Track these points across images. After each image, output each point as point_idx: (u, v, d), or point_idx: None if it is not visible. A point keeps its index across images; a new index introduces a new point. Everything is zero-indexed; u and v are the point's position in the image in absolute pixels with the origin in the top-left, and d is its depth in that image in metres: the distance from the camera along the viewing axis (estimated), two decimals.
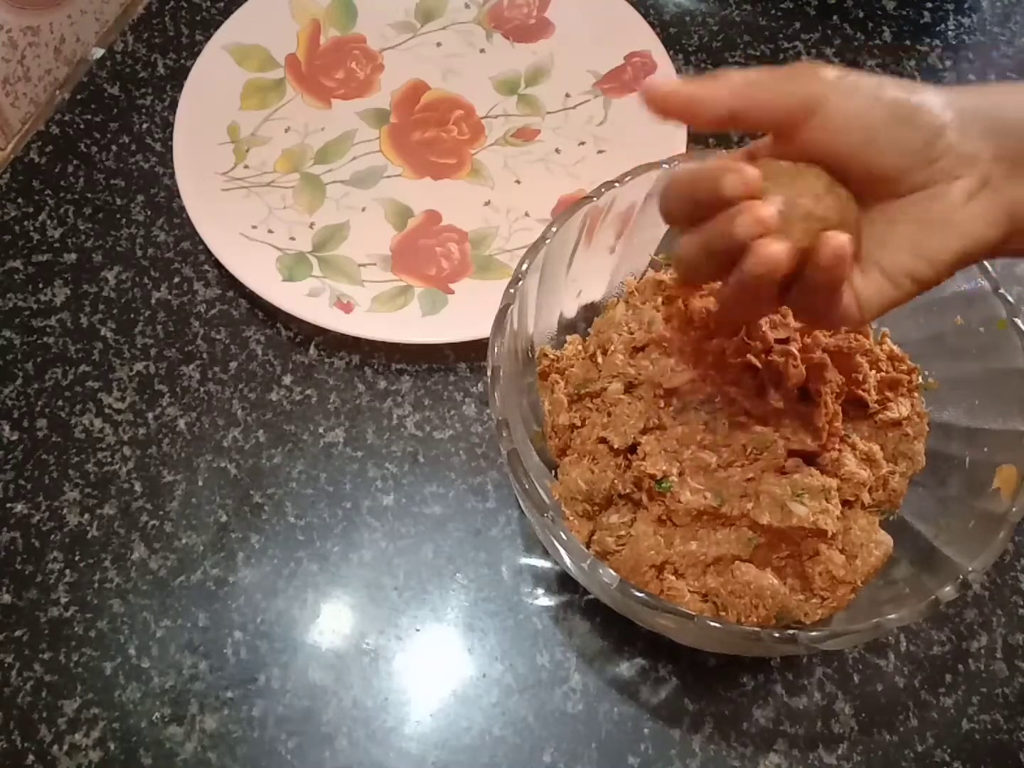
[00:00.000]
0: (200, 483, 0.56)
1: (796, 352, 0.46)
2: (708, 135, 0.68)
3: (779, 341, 0.47)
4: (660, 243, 0.53)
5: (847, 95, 0.36)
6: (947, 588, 0.41)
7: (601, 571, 0.42)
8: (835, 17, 0.74)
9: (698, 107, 0.37)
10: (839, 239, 0.35)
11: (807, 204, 0.35)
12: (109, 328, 0.60)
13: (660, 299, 0.51)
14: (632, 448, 0.47)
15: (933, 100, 0.36)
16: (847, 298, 0.37)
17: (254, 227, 0.62)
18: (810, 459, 0.47)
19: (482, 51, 0.71)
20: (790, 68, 0.37)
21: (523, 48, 0.71)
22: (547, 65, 0.70)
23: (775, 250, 0.34)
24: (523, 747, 0.49)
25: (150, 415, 0.58)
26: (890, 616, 0.41)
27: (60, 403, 0.58)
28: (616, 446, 0.47)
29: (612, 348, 0.50)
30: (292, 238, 0.62)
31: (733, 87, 0.37)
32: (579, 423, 0.50)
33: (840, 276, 0.35)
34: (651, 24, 0.69)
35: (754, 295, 0.37)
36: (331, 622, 0.52)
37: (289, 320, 0.60)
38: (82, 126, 0.68)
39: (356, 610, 0.52)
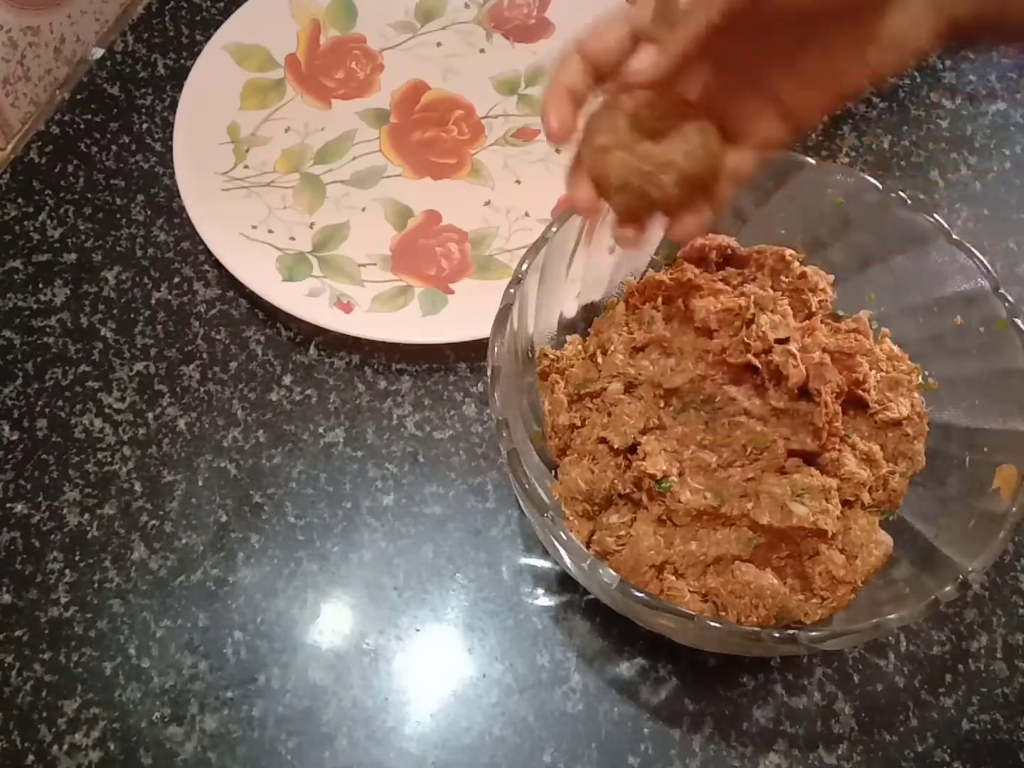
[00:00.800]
0: (200, 483, 0.56)
1: (796, 352, 0.46)
2: None
3: (779, 341, 0.47)
4: (660, 243, 0.54)
5: None
6: (947, 588, 0.41)
7: (601, 571, 0.42)
8: None
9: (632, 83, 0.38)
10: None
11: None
12: (109, 328, 0.60)
13: (660, 299, 0.51)
14: (632, 448, 0.47)
15: None
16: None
17: (254, 227, 0.62)
18: (810, 459, 0.47)
19: (482, 51, 0.71)
20: None
21: (523, 48, 0.71)
22: (547, 65, 0.70)
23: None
24: (523, 747, 0.49)
25: (150, 415, 0.58)
26: (890, 616, 0.41)
27: (60, 403, 0.58)
28: (616, 446, 0.47)
29: (612, 348, 0.50)
30: (292, 238, 0.62)
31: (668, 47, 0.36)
32: (579, 423, 0.50)
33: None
34: None
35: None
36: (331, 622, 0.52)
37: (289, 320, 0.60)
38: (82, 126, 0.68)
39: (356, 610, 0.52)
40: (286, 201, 0.64)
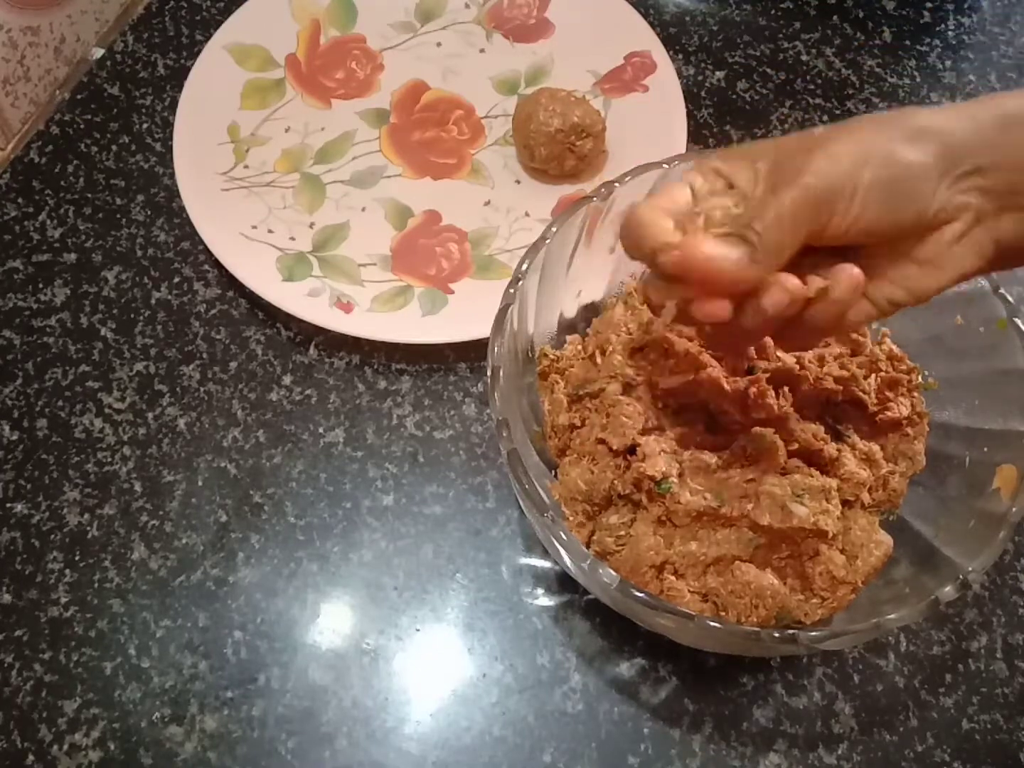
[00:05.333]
0: (200, 483, 0.56)
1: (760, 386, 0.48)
2: (708, 136, 0.68)
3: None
4: None
5: (848, 198, 0.34)
6: (947, 588, 0.41)
7: (601, 571, 0.42)
8: (835, 17, 0.74)
9: (717, 283, 0.35)
10: (854, 270, 0.35)
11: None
12: (109, 328, 0.60)
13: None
14: (631, 449, 0.47)
15: (919, 157, 0.35)
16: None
17: (254, 227, 0.62)
18: (810, 459, 0.47)
19: (482, 51, 0.71)
20: (783, 175, 0.34)
21: (523, 48, 0.71)
22: (547, 65, 0.70)
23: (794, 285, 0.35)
24: (523, 747, 0.49)
25: (150, 415, 0.58)
26: (890, 616, 0.41)
27: (60, 403, 0.58)
28: (615, 447, 0.47)
29: (610, 349, 0.50)
30: (292, 238, 0.62)
31: (759, 265, 0.35)
32: (579, 423, 0.50)
33: (851, 305, 0.36)
34: (651, 24, 0.69)
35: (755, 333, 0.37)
36: (331, 622, 0.52)
37: (289, 320, 0.60)
38: (82, 126, 0.68)
39: (356, 610, 0.52)
40: (286, 201, 0.64)
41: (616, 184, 0.50)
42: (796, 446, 0.46)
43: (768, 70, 0.71)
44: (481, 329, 0.54)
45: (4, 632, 0.51)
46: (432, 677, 0.51)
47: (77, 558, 0.53)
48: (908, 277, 0.36)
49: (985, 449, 0.47)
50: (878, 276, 0.37)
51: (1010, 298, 0.47)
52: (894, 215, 0.35)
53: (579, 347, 0.53)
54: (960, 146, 0.35)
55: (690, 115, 0.66)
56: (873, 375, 0.50)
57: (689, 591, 0.45)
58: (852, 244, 0.36)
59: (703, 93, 0.70)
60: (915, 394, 0.50)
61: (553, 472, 0.51)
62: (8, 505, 0.55)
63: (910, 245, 0.36)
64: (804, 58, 0.72)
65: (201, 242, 0.61)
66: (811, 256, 0.36)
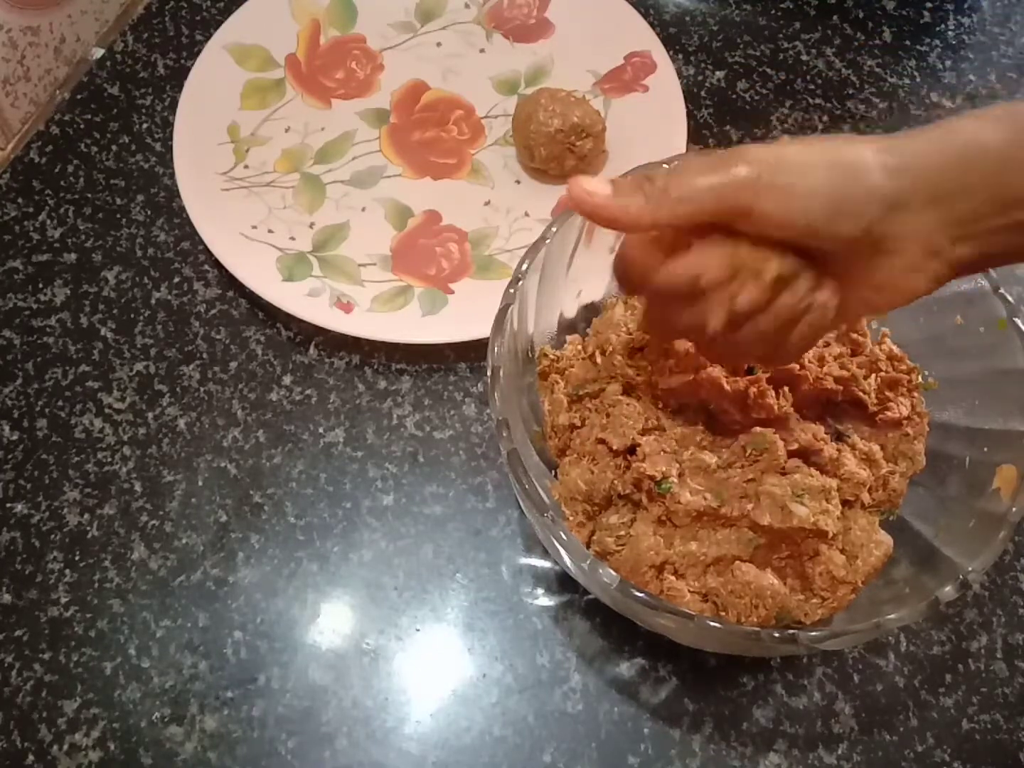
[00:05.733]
0: (200, 483, 0.56)
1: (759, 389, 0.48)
2: (708, 136, 0.68)
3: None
4: None
5: (780, 193, 0.35)
6: (947, 588, 0.41)
7: (601, 571, 0.42)
8: (835, 17, 0.74)
9: (620, 224, 0.37)
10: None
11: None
12: (109, 328, 0.60)
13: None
14: (631, 449, 0.47)
15: (873, 178, 0.35)
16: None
17: (254, 227, 0.62)
18: (809, 459, 0.47)
19: (482, 51, 0.71)
20: (714, 166, 0.36)
21: (523, 48, 0.71)
22: (547, 65, 0.70)
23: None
24: (523, 747, 0.49)
25: (150, 415, 0.58)
26: (890, 616, 0.41)
27: (60, 403, 0.58)
28: (615, 447, 0.47)
29: (610, 349, 0.50)
30: (292, 238, 0.62)
31: (655, 206, 0.36)
32: (579, 423, 0.50)
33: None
34: (651, 24, 0.69)
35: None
36: (331, 622, 0.52)
37: (289, 320, 0.60)
38: (82, 126, 0.68)
39: (356, 610, 0.52)
40: (286, 201, 0.64)
41: None
42: (796, 446, 0.46)
43: (768, 70, 0.71)
44: (481, 329, 0.54)
45: (4, 632, 0.51)
46: (432, 677, 0.51)
47: (77, 558, 0.53)
48: (864, 297, 0.37)
49: (985, 449, 0.47)
50: (843, 289, 0.38)
51: (1010, 298, 0.47)
52: (835, 226, 0.35)
53: (579, 347, 0.53)
54: (916, 175, 0.35)
55: (690, 115, 0.66)
56: (873, 375, 0.50)
57: (689, 591, 0.45)
58: (801, 245, 0.36)
59: (703, 93, 0.70)
60: (915, 394, 0.50)
61: (553, 472, 0.51)
62: (8, 505, 0.55)
63: (863, 271, 0.37)
64: (804, 58, 0.72)
65: (201, 242, 0.61)
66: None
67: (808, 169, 0.35)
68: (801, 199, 0.35)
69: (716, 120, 0.69)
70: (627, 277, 0.40)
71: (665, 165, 0.50)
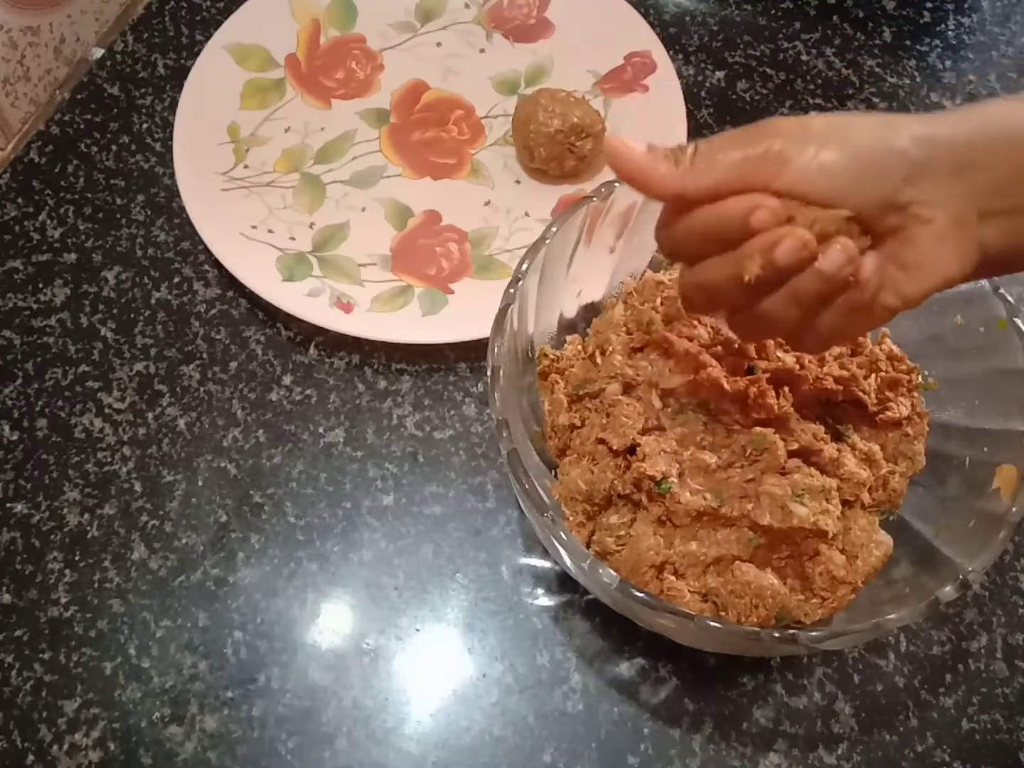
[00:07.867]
0: (200, 483, 0.56)
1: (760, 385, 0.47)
2: (708, 136, 0.68)
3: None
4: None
5: (808, 156, 0.35)
6: (947, 588, 0.41)
7: (601, 571, 0.42)
8: (835, 17, 0.74)
9: (647, 184, 0.38)
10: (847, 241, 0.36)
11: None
12: (109, 328, 0.60)
13: (659, 300, 0.51)
14: (631, 449, 0.47)
15: (899, 143, 0.35)
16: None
17: (254, 227, 0.62)
18: (809, 459, 0.47)
19: (482, 51, 0.71)
20: (738, 139, 0.37)
21: (523, 48, 0.71)
22: (547, 65, 0.70)
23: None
24: (523, 747, 0.49)
25: (150, 415, 0.58)
26: (890, 616, 0.41)
27: (60, 403, 0.58)
28: (615, 447, 0.47)
29: (610, 349, 0.50)
30: (292, 238, 0.62)
31: (682, 173, 0.37)
32: (579, 423, 0.50)
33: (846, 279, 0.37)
34: (651, 24, 0.69)
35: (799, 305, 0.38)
36: (331, 622, 0.52)
37: (289, 320, 0.60)
38: (82, 126, 0.68)
39: (356, 610, 0.52)
40: (286, 201, 0.64)
41: (616, 184, 0.50)
42: (796, 446, 0.46)
43: (768, 70, 0.71)
44: (481, 329, 0.54)
45: (4, 632, 0.51)
46: (432, 677, 0.51)
47: (77, 558, 0.53)
48: (893, 280, 0.37)
49: (985, 449, 0.47)
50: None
51: (1010, 298, 0.47)
52: (860, 185, 0.35)
53: (579, 347, 0.53)
54: (942, 145, 0.35)
55: (690, 115, 0.66)
56: (873, 375, 0.50)
57: (689, 591, 0.45)
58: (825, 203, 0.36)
59: (703, 93, 0.70)
60: (915, 394, 0.50)
61: (553, 472, 0.51)
62: (8, 505, 0.55)
63: (893, 248, 0.36)
64: (804, 58, 0.72)
65: (201, 242, 0.61)
66: None
67: (833, 135, 0.36)
68: (826, 165, 0.35)
69: (716, 120, 0.69)
70: (674, 217, 0.39)
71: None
